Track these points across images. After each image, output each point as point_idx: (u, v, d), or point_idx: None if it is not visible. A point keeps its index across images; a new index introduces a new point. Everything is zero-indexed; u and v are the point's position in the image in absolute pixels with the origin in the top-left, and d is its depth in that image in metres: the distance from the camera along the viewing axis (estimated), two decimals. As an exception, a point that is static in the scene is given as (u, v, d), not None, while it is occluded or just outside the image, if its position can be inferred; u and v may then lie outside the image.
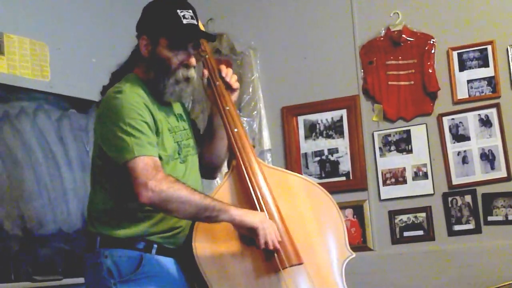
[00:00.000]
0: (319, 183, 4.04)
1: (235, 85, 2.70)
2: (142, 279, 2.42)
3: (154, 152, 2.39)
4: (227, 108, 2.63)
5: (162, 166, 2.42)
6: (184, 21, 2.49)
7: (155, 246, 2.45)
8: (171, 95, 2.52)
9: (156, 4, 2.56)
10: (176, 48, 2.49)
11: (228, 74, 2.69)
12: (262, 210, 2.48)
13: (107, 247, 2.44)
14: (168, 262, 2.49)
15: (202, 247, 2.44)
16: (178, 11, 2.50)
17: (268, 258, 2.42)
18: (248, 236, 2.43)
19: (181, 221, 2.49)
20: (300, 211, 2.59)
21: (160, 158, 2.43)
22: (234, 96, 2.72)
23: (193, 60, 2.54)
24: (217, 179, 3.24)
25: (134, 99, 2.42)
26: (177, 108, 2.65)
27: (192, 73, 2.54)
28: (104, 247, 2.45)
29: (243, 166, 2.55)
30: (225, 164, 2.79)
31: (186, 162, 2.55)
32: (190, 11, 2.53)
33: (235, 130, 2.61)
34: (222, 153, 2.73)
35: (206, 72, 2.69)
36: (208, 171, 2.76)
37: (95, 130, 2.53)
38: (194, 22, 2.53)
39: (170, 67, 2.49)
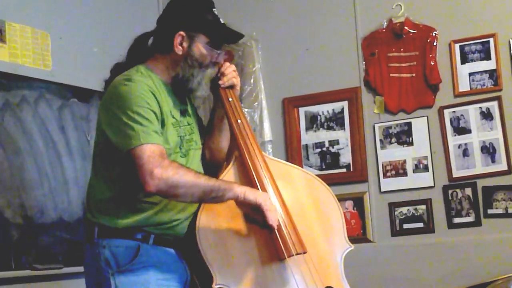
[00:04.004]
0: (319, 175, 4.10)
1: (228, 83, 2.66)
2: (140, 269, 2.41)
3: (160, 140, 2.39)
4: (230, 99, 2.64)
5: None
6: (221, 20, 2.56)
7: (153, 236, 2.45)
8: (202, 90, 2.56)
9: (190, 1, 2.58)
10: (217, 47, 2.54)
11: (228, 72, 2.67)
12: None
13: (105, 237, 2.44)
14: (167, 252, 2.49)
15: (205, 235, 2.44)
16: (214, 10, 2.56)
17: (270, 234, 2.42)
18: (252, 216, 2.43)
19: (179, 213, 2.49)
20: (302, 203, 2.61)
21: None
22: (235, 92, 2.72)
23: (222, 59, 2.59)
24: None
25: (143, 88, 2.41)
26: (184, 103, 2.64)
27: (214, 70, 2.59)
28: (102, 237, 2.44)
29: (246, 157, 2.55)
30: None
31: (187, 156, 2.55)
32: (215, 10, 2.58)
33: (238, 121, 2.61)
34: (223, 146, 2.73)
35: None
36: (211, 168, 2.74)
37: (99, 116, 2.51)
38: (223, 21, 2.59)
39: (204, 63, 2.52)
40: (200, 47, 2.51)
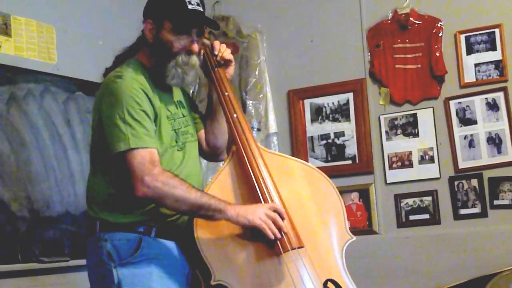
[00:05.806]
0: (325, 167, 4.16)
1: (228, 57, 2.69)
2: (142, 261, 2.42)
3: (151, 144, 2.38)
4: (226, 94, 2.64)
5: (160, 155, 2.42)
6: (189, 6, 2.48)
7: (155, 229, 2.46)
8: (172, 78, 2.50)
9: None
10: (179, 33, 2.48)
11: (221, 50, 2.68)
12: (263, 194, 2.49)
13: (106, 231, 2.45)
14: (168, 245, 2.50)
15: (203, 231, 2.45)
16: None
17: (271, 245, 2.43)
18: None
19: None
20: (301, 196, 2.60)
21: None
22: (230, 70, 2.72)
23: (195, 47, 2.52)
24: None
25: (133, 85, 2.41)
26: (177, 95, 2.64)
27: (194, 59, 2.52)
28: (103, 231, 2.45)
29: (243, 151, 2.55)
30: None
31: (184, 149, 2.54)
32: None
33: (235, 115, 2.61)
34: (224, 131, 2.74)
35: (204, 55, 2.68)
36: (213, 152, 2.77)
37: (93, 114, 2.51)
38: (200, 8, 2.52)
39: (171, 51, 2.48)
40: (166, 34, 2.48)
